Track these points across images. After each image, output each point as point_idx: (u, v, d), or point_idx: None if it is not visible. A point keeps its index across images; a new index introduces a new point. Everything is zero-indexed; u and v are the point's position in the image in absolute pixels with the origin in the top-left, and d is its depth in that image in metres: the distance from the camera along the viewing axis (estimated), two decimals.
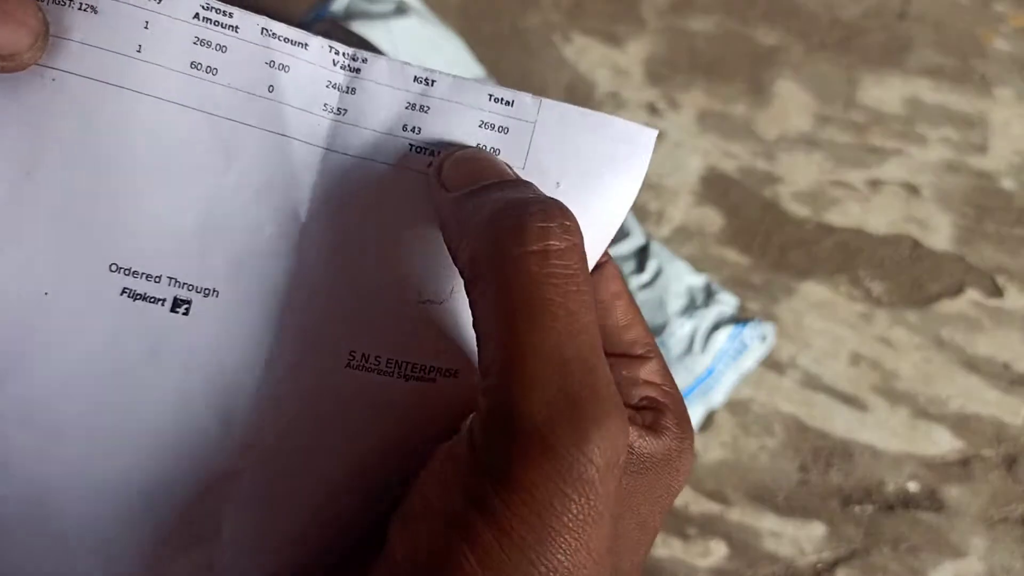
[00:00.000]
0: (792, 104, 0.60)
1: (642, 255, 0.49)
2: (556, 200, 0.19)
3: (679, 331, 0.47)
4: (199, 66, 0.20)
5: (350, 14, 0.46)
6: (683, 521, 0.46)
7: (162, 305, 0.20)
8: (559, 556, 0.16)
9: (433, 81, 0.21)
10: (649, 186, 0.56)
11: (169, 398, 0.21)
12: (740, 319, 0.48)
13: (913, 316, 0.52)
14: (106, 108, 0.19)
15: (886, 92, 0.60)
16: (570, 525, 0.16)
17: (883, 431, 0.49)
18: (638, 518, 0.20)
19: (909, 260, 0.54)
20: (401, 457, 0.22)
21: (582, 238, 0.18)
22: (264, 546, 0.22)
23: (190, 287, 0.20)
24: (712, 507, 0.46)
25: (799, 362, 0.50)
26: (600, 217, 0.22)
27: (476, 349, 0.19)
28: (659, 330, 0.46)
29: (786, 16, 0.63)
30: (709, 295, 0.49)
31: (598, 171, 0.22)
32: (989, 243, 0.55)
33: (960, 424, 0.49)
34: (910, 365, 0.51)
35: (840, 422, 0.49)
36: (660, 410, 0.21)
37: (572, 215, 0.18)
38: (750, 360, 0.48)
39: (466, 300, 0.20)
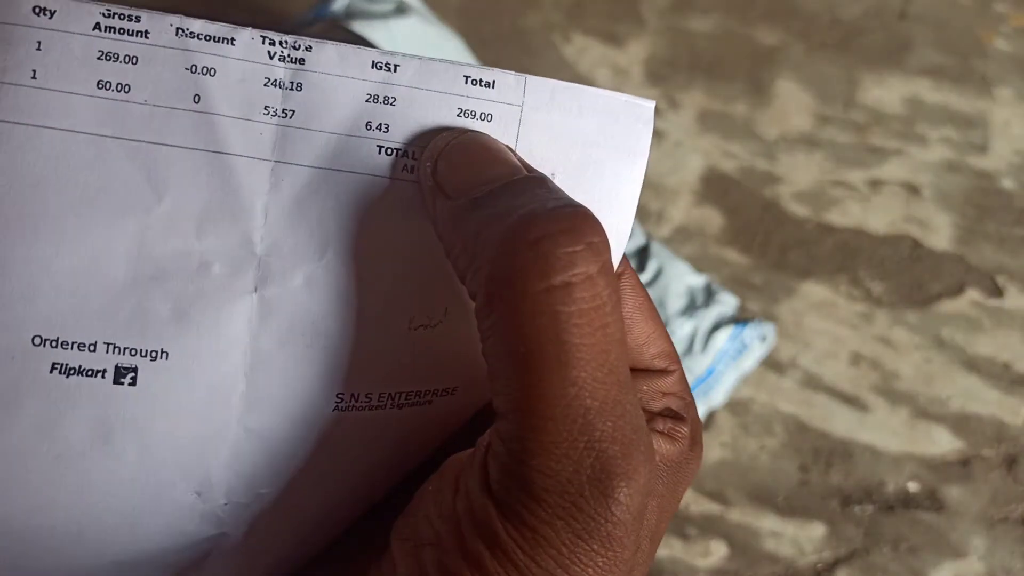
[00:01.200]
0: (792, 104, 0.60)
1: (642, 255, 0.49)
2: (579, 207, 0.16)
3: (679, 331, 0.47)
4: (108, 85, 0.16)
5: (350, 14, 0.46)
6: (683, 521, 0.46)
7: (102, 377, 0.17)
8: None
9: (396, 66, 0.18)
10: (649, 186, 0.56)
11: (130, 480, 0.18)
12: (740, 319, 0.48)
13: (913, 316, 0.52)
14: (0, 150, 0.16)
15: (886, 92, 0.60)
16: None
17: (883, 431, 0.49)
18: (650, 532, 0.20)
19: (909, 260, 0.54)
20: (396, 472, 0.21)
21: (610, 250, 0.16)
22: (250, 568, 0.20)
23: (133, 351, 0.17)
24: (712, 507, 0.46)
25: (799, 362, 0.50)
26: (610, 211, 0.19)
27: (475, 364, 0.17)
28: None
29: (786, 16, 0.63)
30: (709, 295, 0.49)
31: (598, 156, 0.19)
32: (989, 243, 0.55)
33: (960, 424, 0.49)
34: (910, 365, 0.51)
35: (840, 422, 0.49)
36: (677, 418, 0.20)
37: (598, 222, 0.16)
38: (750, 360, 0.48)
39: (462, 317, 0.19)
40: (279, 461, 0.19)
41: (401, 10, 0.47)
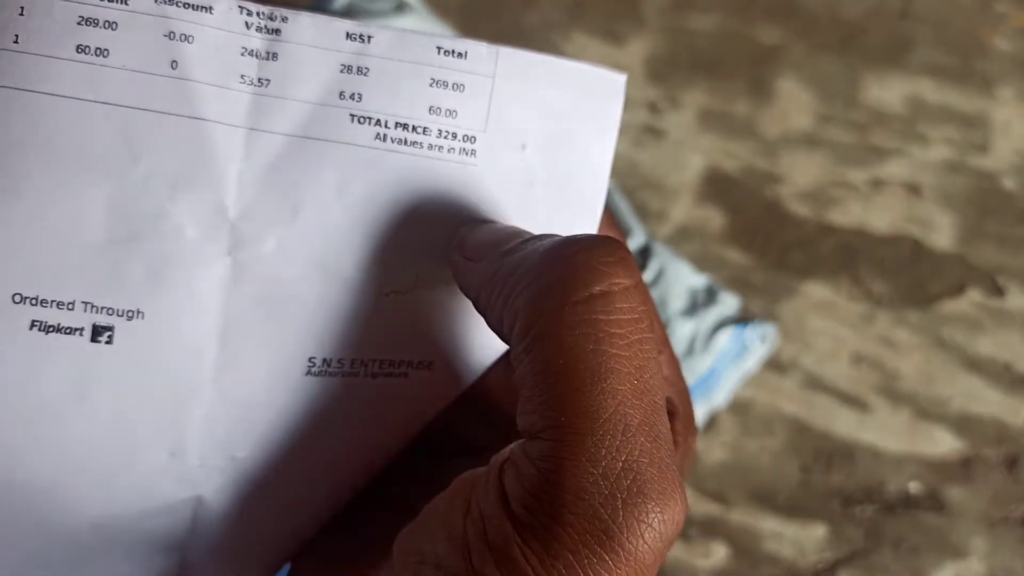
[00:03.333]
0: (793, 103, 0.60)
1: (644, 255, 0.49)
2: (606, 235, 0.16)
3: (680, 331, 0.47)
4: (87, 49, 0.17)
5: (350, 12, 0.46)
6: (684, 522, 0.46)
7: (80, 335, 0.17)
8: None
9: (370, 37, 0.18)
10: (650, 185, 0.56)
11: (104, 438, 0.18)
12: (742, 320, 0.48)
13: (914, 316, 0.52)
14: None
15: (887, 92, 0.60)
16: None
17: (884, 432, 0.49)
18: None
19: (910, 260, 0.54)
20: (380, 453, 0.21)
21: (639, 270, 0.16)
22: (235, 552, 0.21)
23: (110, 311, 0.17)
24: (713, 508, 0.46)
25: (800, 363, 0.50)
26: (582, 182, 0.19)
27: (451, 338, 0.17)
28: None
29: (787, 15, 0.63)
30: (711, 295, 0.49)
31: (568, 127, 0.19)
32: (990, 243, 0.55)
33: (961, 424, 0.49)
34: (911, 365, 0.51)
35: (841, 423, 0.49)
36: (669, 411, 0.20)
37: (626, 246, 0.16)
38: (752, 361, 0.48)
39: (434, 286, 0.19)
40: (253, 425, 0.19)
41: (400, 8, 0.47)
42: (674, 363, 0.21)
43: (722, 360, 0.47)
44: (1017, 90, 0.61)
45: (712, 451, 0.48)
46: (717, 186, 0.56)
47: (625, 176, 0.56)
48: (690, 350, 0.47)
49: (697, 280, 0.49)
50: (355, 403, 0.19)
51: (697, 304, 0.48)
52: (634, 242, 0.50)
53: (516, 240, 0.17)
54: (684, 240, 0.54)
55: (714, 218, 0.55)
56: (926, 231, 0.55)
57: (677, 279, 0.48)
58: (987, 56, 0.62)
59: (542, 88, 0.19)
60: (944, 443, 0.49)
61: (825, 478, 0.47)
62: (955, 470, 0.48)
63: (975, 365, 0.51)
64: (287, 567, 0.22)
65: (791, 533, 0.46)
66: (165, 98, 0.17)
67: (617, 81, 0.19)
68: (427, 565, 0.16)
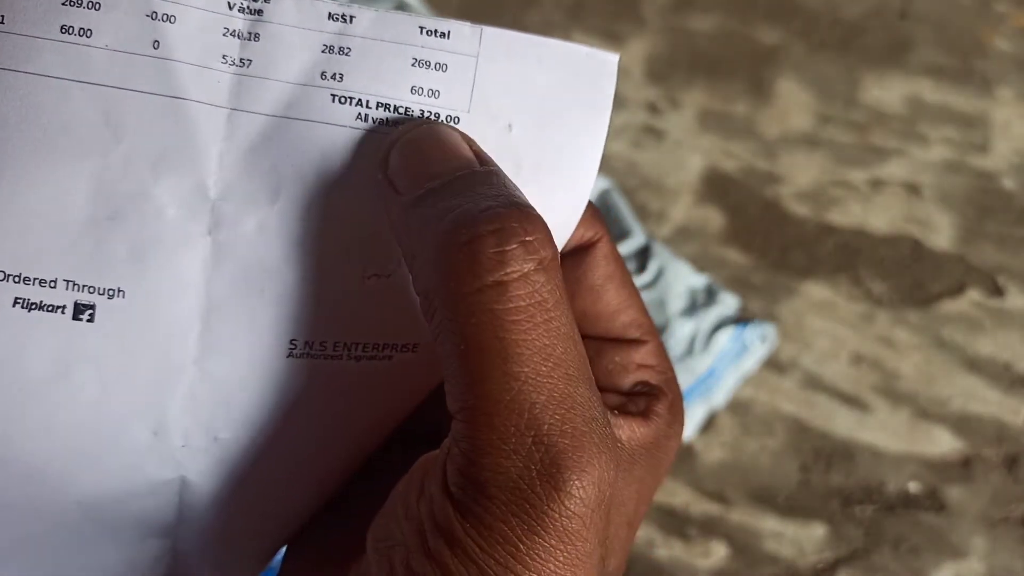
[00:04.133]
0: (793, 103, 0.60)
1: (643, 256, 0.49)
2: (515, 204, 0.16)
3: (680, 331, 0.47)
4: (71, 29, 0.17)
5: None
6: (684, 522, 0.46)
7: (62, 313, 0.18)
8: None
9: (352, 17, 0.18)
10: (650, 186, 0.56)
11: (89, 416, 0.18)
12: (741, 320, 0.48)
13: (914, 316, 0.52)
14: None
15: (887, 92, 0.60)
16: (556, 571, 0.15)
17: (884, 431, 0.49)
18: (626, 517, 0.20)
19: (910, 260, 0.54)
20: (367, 438, 0.21)
21: (553, 246, 0.16)
22: (226, 539, 0.21)
23: (91, 289, 0.18)
24: (713, 508, 0.46)
25: (800, 362, 0.50)
26: (571, 164, 0.19)
27: None
28: (660, 330, 0.46)
29: (787, 15, 0.63)
30: (710, 296, 0.49)
31: (557, 108, 0.19)
32: (990, 243, 0.55)
33: (961, 424, 0.49)
34: (911, 365, 0.51)
35: (841, 422, 0.49)
36: (654, 395, 0.20)
37: (537, 219, 0.16)
38: (751, 361, 0.48)
39: None
40: (236, 406, 0.19)
41: (400, 8, 0.47)
42: (660, 351, 0.21)
43: (722, 360, 0.47)
44: (1017, 90, 0.61)
45: (712, 451, 0.48)
46: (717, 186, 0.56)
47: (625, 176, 0.56)
48: (690, 350, 0.47)
49: (697, 280, 0.49)
50: (339, 386, 0.19)
51: (697, 304, 0.48)
52: (634, 242, 0.50)
53: (433, 181, 0.17)
54: (684, 240, 0.54)
55: (714, 218, 0.55)
56: (926, 231, 0.55)
57: (677, 279, 0.48)
58: (987, 56, 0.62)
59: (529, 69, 0.19)
60: (944, 443, 0.49)
61: (825, 478, 0.47)
62: (955, 470, 0.48)
63: (975, 365, 0.51)
64: (280, 557, 0.22)
65: (791, 533, 0.46)
66: (147, 78, 0.17)
67: (609, 62, 0.19)
68: (395, 547, 0.17)
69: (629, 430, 0.19)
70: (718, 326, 0.47)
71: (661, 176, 0.56)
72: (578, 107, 0.19)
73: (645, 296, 0.46)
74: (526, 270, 0.16)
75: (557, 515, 0.15)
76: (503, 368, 0.15)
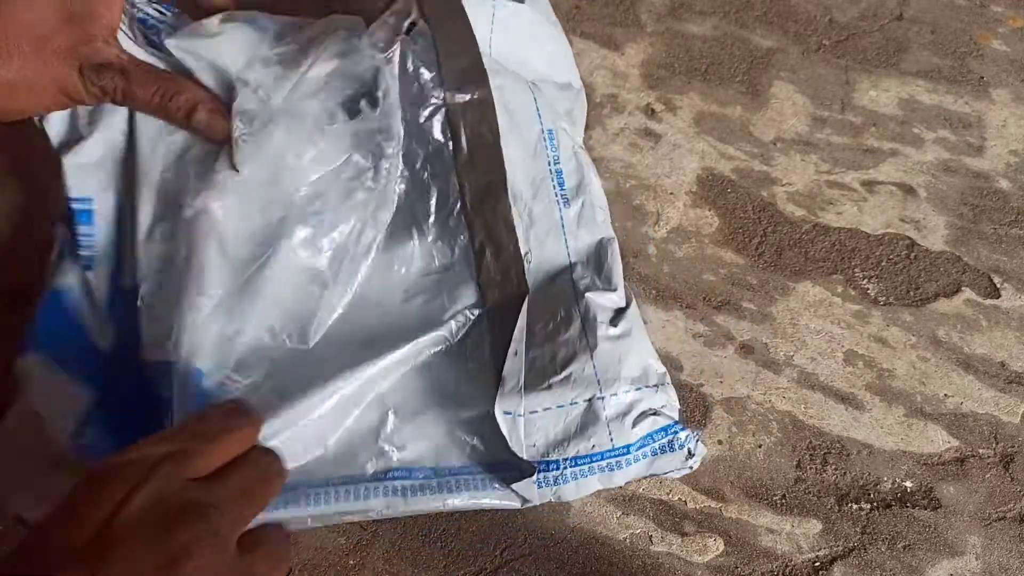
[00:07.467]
0: (788, 106, 0.60)
1: (618, 314, 0.44)
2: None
3: (623, 396, 0.42)
4: None
5: None
6: (680, 517, 0.46)
7: None
8: None
9: None
10: (646, 187, 0.56)
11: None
12: (678, 422, 0.43)
13: (909, 316, 0.52)
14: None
15: (883, 93, 0.61)
16: None
17: (879, 429, 0.49)
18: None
19: (905, 260, 0.55)
20: None
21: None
22: None
23: None
24: (709, 504, 0.47)
25: (795, 361, 0.51)
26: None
27: None
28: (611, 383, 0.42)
29: (783, 18, 0.64)
30: (660, 384, 0.43)
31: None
32: (985, 243, 0.55)
33: (956, 423, 0.49)
34: (906, 364, 0.51)
35: (836, 420, 0.49)
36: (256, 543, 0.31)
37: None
38: (669, 465, 0.43)
39: None
40: None
41: None
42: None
43: (642, 446, 0.42)
44: (1013, 91, 0.61)
45: (707, 447, 0.48)
46: (713, 188, 0.57)
47: (622, 178, 0.56)
48: (620, 417, 0.42)
49: (655, 364, 0.44)
50: None
51: (648, 383, 0.43)
52: (616, 298, 0.45)
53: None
54: (680, 241, 0.55)
55: (710, 219, 0.55)
56: (921, 231, 0.55)
57: (638, 353, 0.43)
58: (983, 57, 0.62)
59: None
60: (939, 441, 0.49)
61: (820, 475, 0.48)
62: (950, 468, 0.48)
63: (970, 364, 0.51)
64: (275, 509, 0.32)
65: (787, 529, 0.46)
66: None
67: None
68: None
69: None
70: (656, 412, 0.42)
71: (658, 177, 0.57)
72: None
73: (607, 345, 0.42)
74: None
75: None
76: None
